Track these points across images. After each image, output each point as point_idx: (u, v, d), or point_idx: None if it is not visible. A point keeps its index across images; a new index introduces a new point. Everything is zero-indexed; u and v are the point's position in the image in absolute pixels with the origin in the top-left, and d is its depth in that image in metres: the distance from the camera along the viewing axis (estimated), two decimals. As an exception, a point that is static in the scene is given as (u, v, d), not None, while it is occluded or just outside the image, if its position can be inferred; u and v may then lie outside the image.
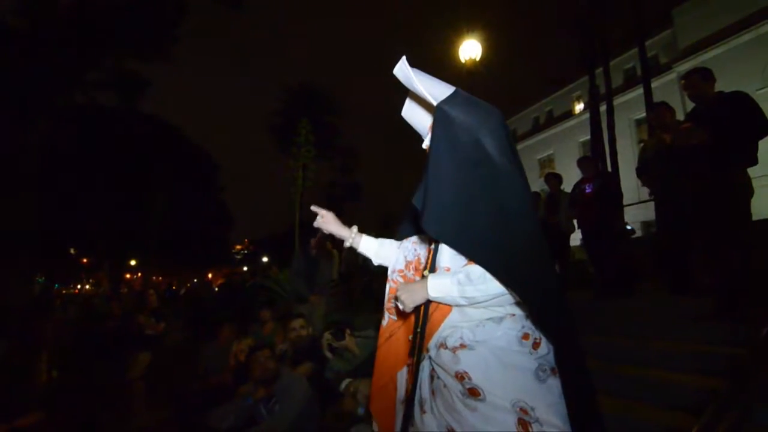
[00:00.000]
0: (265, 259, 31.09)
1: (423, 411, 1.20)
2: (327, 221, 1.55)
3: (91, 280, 35.31)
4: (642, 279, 4.85)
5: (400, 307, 1.16)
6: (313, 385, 2.79)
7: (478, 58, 7.54)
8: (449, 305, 1.15)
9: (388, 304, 1.37)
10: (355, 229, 1.56)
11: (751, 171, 2.93)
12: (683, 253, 3.65)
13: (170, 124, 24.26)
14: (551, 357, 1.11)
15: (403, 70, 1.16)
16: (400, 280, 1.37)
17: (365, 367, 2.47)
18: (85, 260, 29.94)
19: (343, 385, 2.57)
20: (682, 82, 3.29)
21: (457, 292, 1.09)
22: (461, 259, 1.17)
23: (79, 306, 11.79)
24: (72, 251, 26.95)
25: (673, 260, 3.78)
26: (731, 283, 2.84)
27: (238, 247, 51.96)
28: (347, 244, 1.55)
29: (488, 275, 1.07)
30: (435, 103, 1.16)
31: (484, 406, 1.02)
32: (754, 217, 3.04)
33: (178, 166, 23.35)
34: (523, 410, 1.00)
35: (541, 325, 1.13)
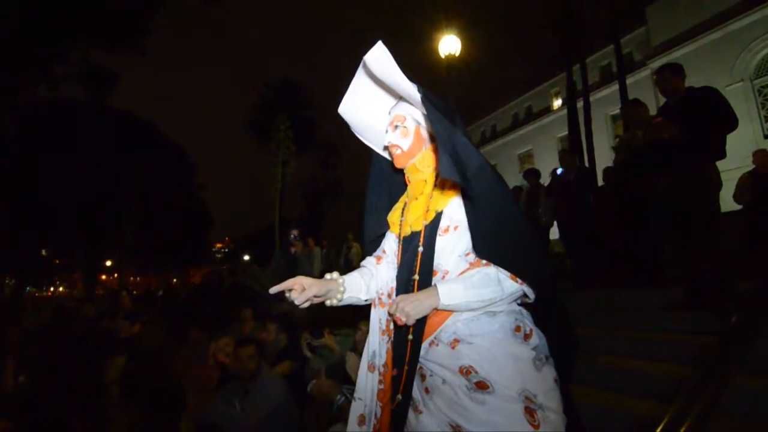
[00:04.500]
0: (246, 257, 30.69)
1: (418, 411, 1.15)
2: (303, 291, 1.19)
3: (64, 282, 34.22)
4: (615, 270, 4.97)
5: (402, 319, 1.05)
6: (292, 384, 2.76)
7: (457, 54, 7.56)
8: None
9: (386, 333, 1.25)
10: (335, 275, 1.30)
11: (720, 164, 3.02)
12: (654, 245, 3.75)
13: (144, 120, 23.61)
14: (543, 346, 1.14)
15: (381, 56, 1.09)
16: None
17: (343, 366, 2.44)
18: (57, 261, 28.93)
19: (309, 387, 2.53)
20: (654, 77, 3.36)
21: (472, 297, 1.07)
22: (464, 263, 1.15)
23: (51, 309, 11.36)
24: (44, 252, 25.98)
25: (645, 252, 3.88)
26: (700, 274, 2.93)
27: (219, 245, 51.15)
28: (335, 300, 1.26)
29: (502, 274, 1.08)
30: (413, 94, 1.13)
31: (493, 398, 1.02)
32: (723, 210, 3.15)
33: (153, 164, 22.72)
34: (528, 398, 1.01)
35: (544, 317, 1.18)
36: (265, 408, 2.51)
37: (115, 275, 29.43)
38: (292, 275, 3.88)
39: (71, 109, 18.29)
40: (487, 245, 1.10)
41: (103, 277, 31.15)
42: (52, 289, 34.89)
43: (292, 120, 10.30)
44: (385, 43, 1.09)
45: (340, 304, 1.29)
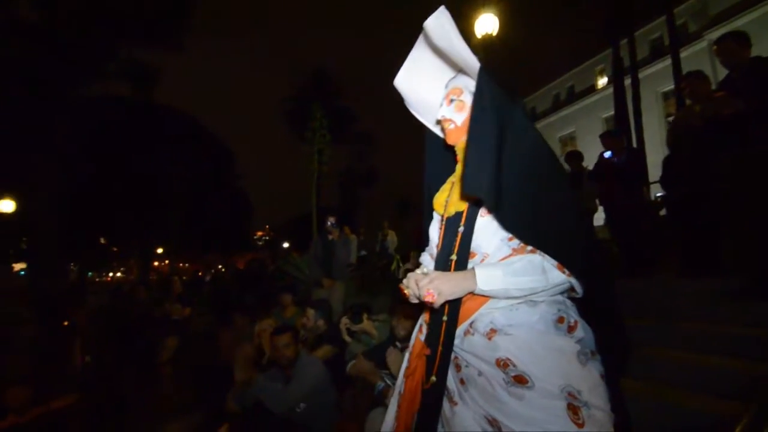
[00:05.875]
0: (286, 245, 31.58)
1: (453, 402, 1.12)
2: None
3: (122, 269, 36.71)
4: (668, 257, 4.69)
5: (434, 295, 1.00)
6: (332, 368, 2.83)
7: (494, 33, 7.27)
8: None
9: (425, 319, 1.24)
10: (425, 269, 1.23)
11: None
12: (712, 231, 3.49)
13: (186, 113, 24.58)
14: (588, 340, 1.07)
15: (442, 22, 1.03)
16: None
17: (381, 350, 2.47)
18: (115, 249, 31.01)
19: (348, 367, 2.56)
20: (715, 47, 3.08)
21: (512, 284, 1.01)
22: (506, 248, 1.09)
23: (110, 293, 12.24)
24: (102, 241, 27.91)
25: (701, 238, 3.62)
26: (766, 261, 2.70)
27: (260, 233, 52.88)
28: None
29: (547, 263, 1.02)
30: (472, 65, 1.07)
31: (533, 393, 0.97)
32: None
33: (196, 156, 23.70)
34: (571, 395, 0.96)
35: (592, 310, 1.10)
36: (305, 389, 2.59)
37: (166, 262, 31.21)
38: (329, 262, 3.96)
39: (120, 106, 19.39)
40: (534, 230, 1.03)
41: (156, 263, 33.10)
42: (110, 274, 37.51)
43: (327, 109, 10.35)
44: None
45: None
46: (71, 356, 4.25)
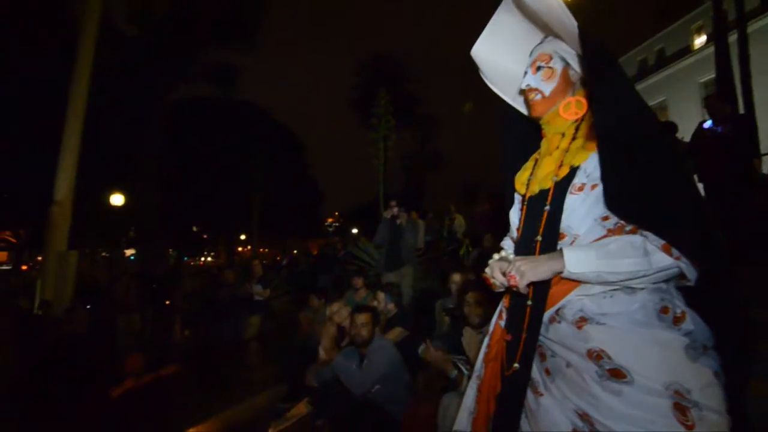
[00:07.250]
0: (354, 230, 32.53)
1: (538, 393, 1.04)
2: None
3: (212, 254, 40.49)
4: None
5: (516, 278, 0.95)
6: (403, 351, 2.87)
7: (570, -2, 6.68)
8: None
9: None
10: (504, 253, 1.18)
11: None
12: None
13: (262, 108, 26.08)
14: (700, 333, 0.94)
15: None
16: None
17: (452, 337, 2.45)
18: (205, 236, 34.25)
19: (420, 350, 2.56)
20: None
21: (606, 267, 0.90)
22: (600, 229, 0.99)
23: (202, 275, 13.54)
24: (195, 229, 30.95)
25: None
26: None
27: (330, 220, 55.01)
28: None
29: (650, 245, 0.90)
30: (569, 27, 0.99)
31: (631, 389, 0.87)
32: None
33: (272, 149, 25.14)
34: (678, 393, 0.85)
35: (704, 300, 0.96)
36: (379, 371, 2.67)
37: (248, 247, 33.80)
38: (396, 246, 3.98)
39: (205, 105, 21.20)
40: (636, 205, 0.90)
41: (240, 248, 36.06)
42: (202, 259, 41.51)
43: (391, 94, 10.32)
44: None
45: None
46: (172, 331, 4.81)
